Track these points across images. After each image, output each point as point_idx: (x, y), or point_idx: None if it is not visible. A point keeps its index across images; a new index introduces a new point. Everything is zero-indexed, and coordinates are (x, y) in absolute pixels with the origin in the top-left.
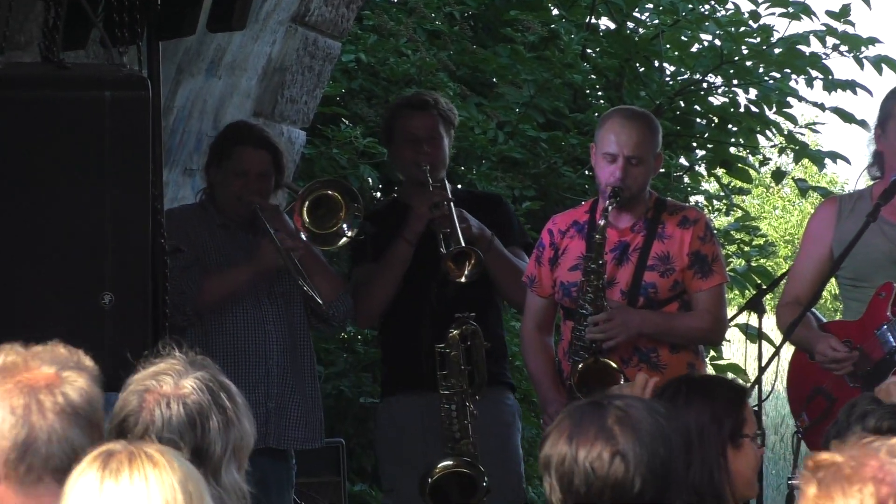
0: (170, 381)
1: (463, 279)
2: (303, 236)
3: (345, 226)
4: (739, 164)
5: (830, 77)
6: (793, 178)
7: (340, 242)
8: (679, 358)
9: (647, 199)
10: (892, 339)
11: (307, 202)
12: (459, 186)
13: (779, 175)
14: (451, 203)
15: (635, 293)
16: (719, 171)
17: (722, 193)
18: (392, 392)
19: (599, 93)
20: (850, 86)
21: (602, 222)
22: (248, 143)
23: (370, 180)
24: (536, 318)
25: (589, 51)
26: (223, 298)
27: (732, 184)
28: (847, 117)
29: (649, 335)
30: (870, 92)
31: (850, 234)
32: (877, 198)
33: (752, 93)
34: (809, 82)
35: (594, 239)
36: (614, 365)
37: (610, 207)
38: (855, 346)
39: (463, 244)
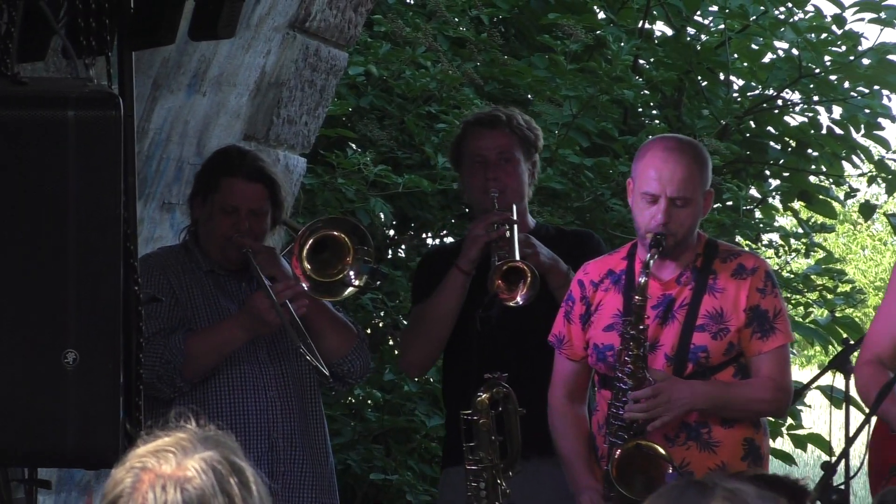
0: (172, 461)
1: (516, 302)
2: (304, 286)
3: (352, 273)
4: (821, 196)
5: None
6: (884, 214)
7: (346, 293)
8: (734, 434)
9: (695, 244)
10: None
11: (307, 245)
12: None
13: (868, 209)
14: (514, 225)
15: (683, 358)
16: (797, 205)
17: (800, 231)
18: (449, 461)
19: (654, 111)
20: None
21: (642, 279)
22: (238, 175)
23: (382, 216)
24: (566, 384)
25: (642, 61)
26: (214, 363)
27: (813, 219)
28: None
29: (701, 410)
30: None
31: None
32: None
33: (837, 112)
34: None
35: (633, 301)
36: (661, 451)
37: (651, 260)
38: None
39: (517, 258)
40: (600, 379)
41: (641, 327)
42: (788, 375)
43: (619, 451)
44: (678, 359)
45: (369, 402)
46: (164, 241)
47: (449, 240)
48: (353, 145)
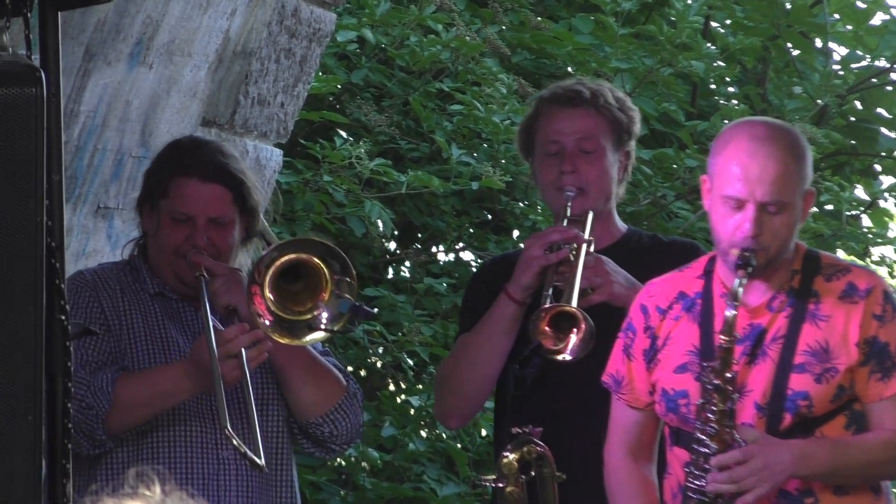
0: None
1: (563, 356)
2: (266, 322)
3: (325, 315)
4: None
5: None
6: None
7: (307, 338)
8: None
9: (792, 259)
10: None
11: (271, 271)
12: (645, 233)
13: None
14: (584, 244)
15: (777, 408)
16: None
17: None
18: None
19: (731, 89)
20: None
21: (730, 313)
22: (192, 173)
23: (381, 224)
24: (626, 438)
25: (715, 24)
26: (148, 416)
27: None
28: None
29: (809, 477)
30: None
31: None
32: None
33: None
34: None
35: (720, 342)
36: None
37: (741, 288)
38: None
39: (573, 304)
40: (672, 433)
41: (729, 375)
42: None
43: None
44: (772, 409)
45: (364, 464)
46: (100, 256)
47: (467, 256)
48: (343, 133)
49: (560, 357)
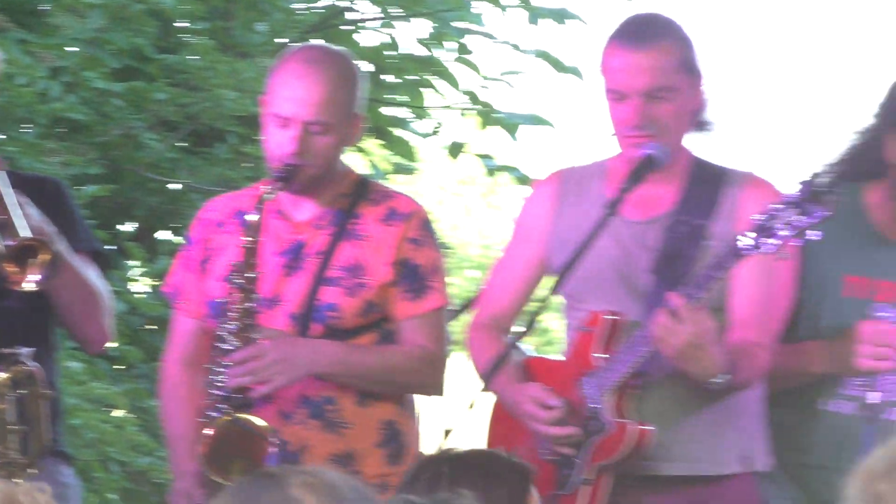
0: None
1: (32, 285)
2: None
3: None
4: (397, 133)
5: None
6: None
7: None
8: (370, 413)
9: (342, 181)
10: (593, 396)
11: None
12: None
13: (456, 149)
14: (4, 179)
15: (308, 318)
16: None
17: (374, 173)
18: None
19: (199, 25)
20: (559, 15)
21: (253, 217)
22: None
23: None
24: (184, 348)
25: None
26: None
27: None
28: (559, 65)
29: (328, 375)
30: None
31: (573, 229)
32: (620, 180)
33: (427, 28)
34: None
35: (242, 242)
36: (260, 422)
37: (270, 195)
38: (560, 399)
39: (29, 234)
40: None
41: (250, 275)
42: (441, 343)
43: (212, 429)
44: (303, 319)
45: None
46: None
47: None
48: None
49: (28, 286)
